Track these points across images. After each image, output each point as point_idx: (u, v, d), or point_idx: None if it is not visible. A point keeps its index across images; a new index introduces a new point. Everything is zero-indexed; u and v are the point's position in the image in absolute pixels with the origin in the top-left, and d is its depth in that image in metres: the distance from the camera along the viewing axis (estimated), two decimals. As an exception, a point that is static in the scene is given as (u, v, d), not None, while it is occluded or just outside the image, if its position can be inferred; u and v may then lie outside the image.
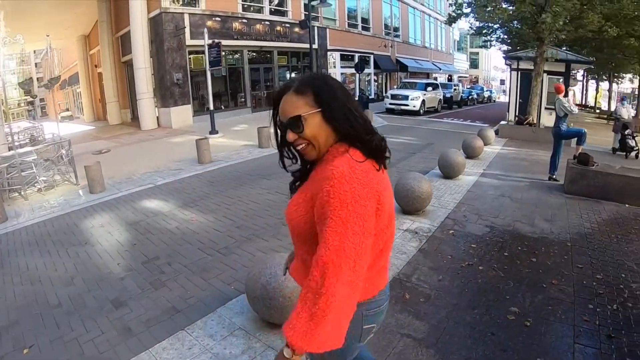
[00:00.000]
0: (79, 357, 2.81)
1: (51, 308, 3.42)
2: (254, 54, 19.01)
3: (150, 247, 4.67)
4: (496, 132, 12.91)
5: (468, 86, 39.83)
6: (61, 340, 2.97)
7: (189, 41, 15.35)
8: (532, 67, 13.98)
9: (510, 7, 14.06)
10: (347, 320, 1.19)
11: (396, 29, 31.77)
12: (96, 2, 18.34)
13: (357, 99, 15.88)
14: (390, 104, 20.15)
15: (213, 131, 12.77)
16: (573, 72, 16.13)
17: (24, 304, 3.54)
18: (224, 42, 14.07)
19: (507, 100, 17.83)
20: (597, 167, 6.58)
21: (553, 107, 13.17)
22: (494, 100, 39.12)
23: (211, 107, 13.18)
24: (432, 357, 2.69)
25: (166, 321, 3.16)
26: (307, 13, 15.31)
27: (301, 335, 1.12)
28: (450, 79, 38.75)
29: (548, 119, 14.54)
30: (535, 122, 13.87)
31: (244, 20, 17.66)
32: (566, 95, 7.56)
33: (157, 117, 15.94)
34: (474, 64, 63.27)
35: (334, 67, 24.01)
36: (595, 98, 40.02)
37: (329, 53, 23.37)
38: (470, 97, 30.65)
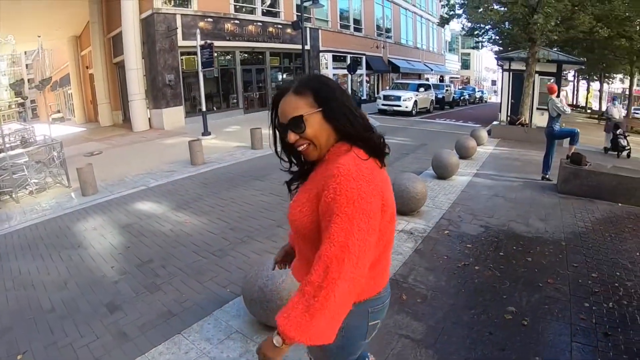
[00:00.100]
0: (74, 362, 2.77)
1: (44, 313, 3.36)
2: (246, 55, 18.94)
3: (144, 249, 4.61)
4: (489, 133, 12.98)
5: (460, 87, 40.08)
6: (55, 346, 2.92)
7: (181, 42, 15.26)
8: (524, 68, 14.07)
9: (502, 9, 14.15)
10: (342, 317, 1.20)
11: (388, 30, 31.85)
12: (87, 3, 18.16)
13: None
14: (383, 104, 20.18)
15: (205, 132, 12.70)
16: (564, 72, 16.29)
17: (16, 309, 3.47)
18: (216, 43, 14.00)
19: (499, 101, 17.94)
20: (590, 166, 6.63)
21: (545, 107, 13.31)
22: (486, 101, 39.41)
23: (203, 109, 13.09)
24: (431, 358, 2.69)
25: (162, 325, 3.11)
26: (299, 14, 15.30)
27: (295, 326, 1.14)
28: (441, 80, 38.98)
29: (540, 119, 14.66)
30: (527, 122, 13.96)
31: (236, 21, 17.61)
32: (558, 95, 7.62)
33: (149, 119, 15.81)
34: (465, 65, 63.65)
35: (326, 68, 24.00)
36: (586, 98, 40.46)
37: (321, 54, 23.37)
38: (462, 97, 30.82)
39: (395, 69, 31.18)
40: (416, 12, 37.38)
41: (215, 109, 17.34)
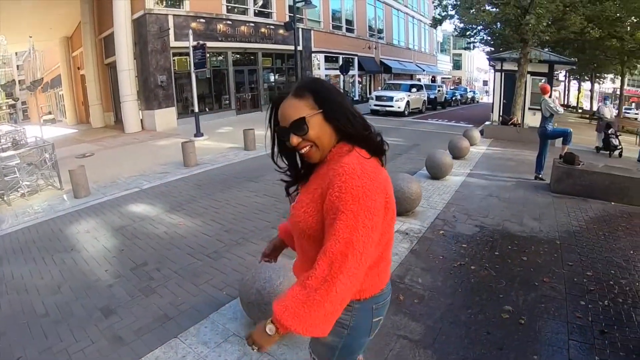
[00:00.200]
0: (69, 367, 2.73)
1: (38, 317, 3.31)
2: (239, 55, 18.88)
3: (138, 252, 4.56)
4: (481, 133, 13.04)
5: (451, 87, 40.27)
6: (50, 351, 2.87)
7: (173, 43, 15.19)
8: (515, 68, 14.16)
9: (494, 10, 14.23)
10: (339, 312, 1.23)
11: (380, 31, 31.92)
12: (79, 3, 18.01)
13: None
14: (375, 105, 20.19)
15: (198, 134, 12.63)
16: (556, 72, 16.42)
17: (10, 313, 3.42)
18: (208, 43, 13.93)
19: (491, 101, 18.05)
20: (583, 166, 6.69)
21: (537, 107, 13.40)
22: (477, 101, 39.61)
23: (196, 110, 13.04)
24: (430, 358, 2.68)
25: (158, 329, 3.08)
26: (292, 15, 15.28)
27: (292, 316, 1.16)
28: (433, 80, 39.11)
29: (532, 119, 14.78)
30: (519, 122, 14.05)
31: (229, 22, 17.56)
32: (551, 95, 7.67)
33: (141, 120, 15.71)
34: (457, 65, 64.00)
35: (319, 68, 24.01)
36: (577, 98, 40.83)
37: (313, 55, 23.37)
38: (453, 98, 30.95)
39: (387, 69, 31.26)
40: (408, 12, 37.52)
41: (207, 110, 17.26)
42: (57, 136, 15.39)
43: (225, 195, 6.70)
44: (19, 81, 41.77)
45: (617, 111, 24.18)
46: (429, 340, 2.86)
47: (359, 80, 28.86)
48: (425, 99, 23.29)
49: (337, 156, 1.31)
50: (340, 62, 24.50)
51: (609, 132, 11.23)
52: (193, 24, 15.64)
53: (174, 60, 15.70)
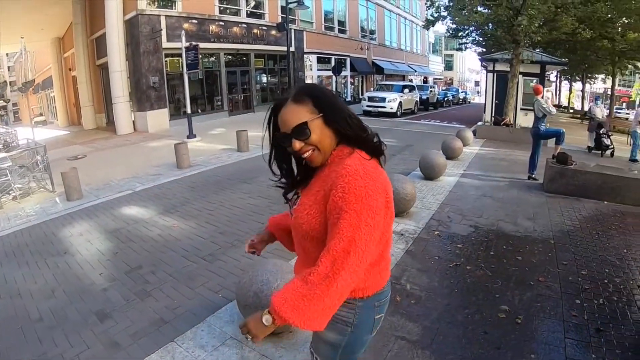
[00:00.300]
0: (64, 373, 2.70)
1: (33, 323, 3.26)
2: (231, 56, 18.81)
3: (133, 255, 4.52)
4: (474, 133, 13.11)
5: (443, 88, 40.46)
6: (45, 357, 2.83)
7: (165, 44, 15.10)
8: (507, 69, 14.25)
9: (487, 11, 14.33)
10: (336, 308, 1.27)
11: (372, 32, 31.96)
12: (71, 4, 17.84)
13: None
14: (368, 106, 20.19)
15: (191, 135, 12.56)
16: (547, 73, 16.56)
17: (3, 318, 3.36)
18: (201, 44, 13.85)
19: (483, 102, 18.14)
20: (576, 166, 6.75)
21: (529, 107, 13.49)
22: (469, 102, 39.84)
23: (188, 111, 12.96)
24: (428, 358, 2.69)
25: (154, 333, 3.05)
26: (284, 16, 15.26)
27: (291, 308, 1.19)
28: (425, 81, 39.27)
29: (524, 120, 14.89)
30: (512, 122, 14.14)
31: (221, 23, 17.50)
32: (543, 96, 7.73)
33: (133, 122, 15.59)
34: (448, 66, 64.27)
35: (311, 69, 24.00)
36: (569, 98, 41.21)
37: (305, 56, 23.34)
38: (445, 98, 31.09)
39: (379, 70, 31.30)
40: (400, 13, 37.62)
41: (199, 111, 17.16)
42: (49, 138, 15.21)
43: (219, 197, 6.67)
44: (10, 82, 41.24)
45: (608, 111, 24.45)
46: (426, 341, 2.86)
47: (351, 81, 28.87)
48: (418, 99, 23.36)
49: (338, 159, 1.34)
50: (333, 63, 24.48)
51: (601, 132, 11.34)
52: (185, 25, 15.57)
53: (166, 61, 15.60)
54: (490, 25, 15.97)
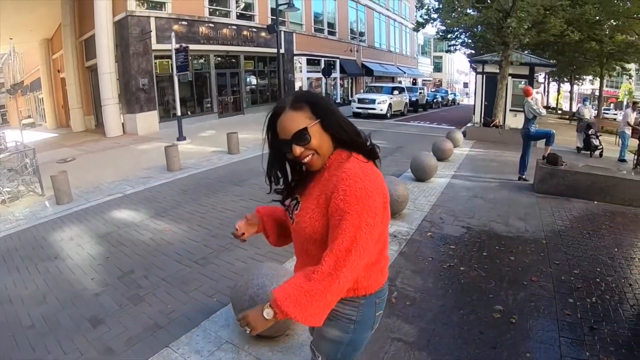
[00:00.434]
0: (57, 380, 2.65)
1: (24, 329, 3.19)
2: (221, 58, 18.74)
3: (125, 260, 4.47)
4: (464, 134, 13.19)
5: (432, 89, 40.77)
6: (37, 364, 2.79)
7: (155, 45, 14.97)
8: (497, 71, 14.37)
9: (476, 13, 14.44)
10: (334, 304, 1.33)
11: (362, 34, 32.05)
12: (60, 5, 17.60)
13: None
14: (357, 107, 20.20)
15: (181, 137, 12.45)
16: (536, 74, 16.74)
17: (-6, 325, 3.30)
18: (191, 46, 13.71)
19: (472, 103, 18.28)
20: (566, 166, 6.82)
21: (518, 109, 13.63)
22: (458, 103, 40.22)
23: (178, 113, 12.84)
24: (425, 359, 2.70)
25: (149, 338, 3.01)
26: (274, 17, 15.24)
27: (294, 303, 1.25)
28: (414, 83, 39.50)
29: (513, 121, 15.03)
30: (501, 123, 14.26)
31: (211, 25, 17.42)
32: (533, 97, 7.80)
33: (123, 124, 15.43)
34: (437, 68, 64.63)
35: (300, 71, 24.01)
36: (557, 99, 41.69)
37: (295, 58, 23.32)
38: (435, 100, 31.35)
39: (368, 72, 31.40)
40: (390, 16, 37.78)
41: (189, 113, 17.02)
42: (37, 140, 14.95)
43: (210, 200, 6.62)
44: (-2, 84, 40.62)
45: (596, 112, 24.78)
46: (423, 342, 2.87)
47: (340, 83, 28.93)
48: (407, 101, 23.48)
49: (336, 163, 1.40)
50: (322, 65, 24.48)
51: (590, 132, 11.46)
52: (175, 27, 15.46)
53: (155, 63, 15.47)
54: (480, 28, 16.09)
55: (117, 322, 3.23)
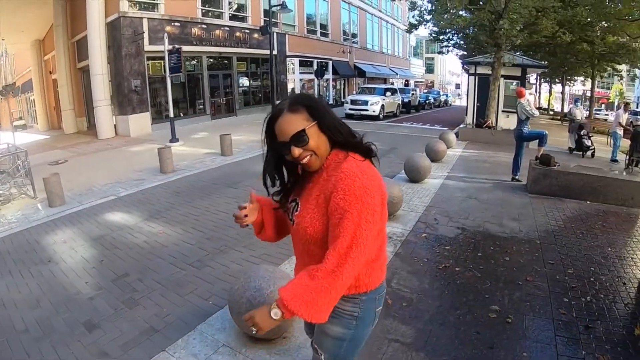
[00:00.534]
0: (52, 385, 2.62)
1: (18, 334, 3.14)
2: (213, 60, 18.68)
3: (119, 263, 4.43)
4: (456, 135, 13.26)
5: (425, 91, 40.97)
6: (32, 369, 2.75)
7: (147, 47, 14.89)
8: (489, 72, 14.46)
9: (468, 15, 14.53)
10: (337, 300, 1.37)
11: (354, 35, 32.14)
12: (52, 5, 17.44)
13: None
14: (350, 109, 20.21)
15: (173, 139, 12.36)
16: (527, 75, 16.86)
17: (-13, 330, 3.24)
18: (183, 47, 13.65)
19: (465, 104, 18.36)
20: (559, 167, 6.87)
21: (510, 110, 13.71)
22: (450, 104, 40.42)
23: (171, 115, 12.77)
24: (422, 361, 2.70)
25: (145, 342, 2.98)
26: (267, 19, 15.20)
27: (300, 302, 1.29)
28: (407, 84, 39.73)
29: (505, 122, 15.14)
30: (493, 124, 14.35)
31: (203, 26, 17.36)
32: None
33: (115, 125, 15.33)
34: (429, 69, 64.96)
35: (293, 73, 24.01)
36: (548, 100, 42.04)
37: (288, 59, 23.31)
38: (427, 101, 31.50)
39: (361, 73, 31.51)
40: (382, 17, 37.94)
41: (181, 115, 16.93)
42: (29, 142, 14.83)
43: (204, 202, 6.59)
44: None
45: (587, 112, 25.00)
46: (420, 343, 2.88)
47: (333, 85, 28.97)
48: (400, 102, 23.55)
49: (334, 163, 1.43)
50: (315, 66, 24.50)
51: (582, 133, 11.56)
52: (168, 28, 15.39)
53: (148, 64, 15.38)
54: (472, 29, 16.19)
55: (113, 326, 3.20)
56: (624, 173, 7.60)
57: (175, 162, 9.10)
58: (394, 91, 23.62)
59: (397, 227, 5.23)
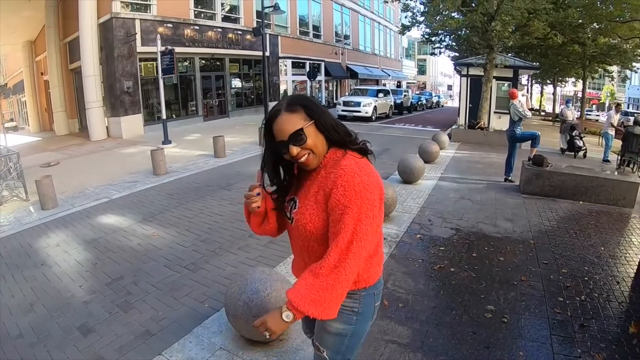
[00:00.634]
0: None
1: (12, 339, 3.10)
2: (206, 61, 18.62)
3: (113, 266, 4.39)
4: (449, 136, 13.33)
5: (417, 92, 41.11)
6: (27, 375, 2.72)
7: (140, 48, 14.81)
8: (481, 73, 14.54)
9: (461, 17, 14.61)
10: (344, 295, 1.40)
11: (347, 37, 32.21)
12: (44, 6, 17.28)
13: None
14: (343, 110, 20.21)
15: (166, 141, 12.30)
16: (519, 76, 16.99)
17: (-20, 336, 3.19)
18: (176, 49, 13.60)
19: (457, 106, 18.45)
20: (552, 167, 6.92)
21: (503, 111, 13.80)
22: (442, 106, 40.59)
23: (164, 116, 12.69)
24: (419, 362, 2.71)
25: (141, 346, 2.96)
26: (259, 20, 15.18)
27: (309, 301, 1.32)
28: (399, 85, 39.85)
29: (498, 123, 15.24)
30: (486, 125, 14.43)
31: (196, 27, 17.31)
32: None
33: (107, 127, 15.23)
34: (421, 70, 65.18)
35: (286, 74, 23.99)
36: (540, 101, 42.37)
37: (280, 60, 23.30)
38: (419, 102, 31.61)
39: (353, 75, 31.57)
40: (374, 19, 38.06)
41: (174, 116, 16.84)
42: (20, 144, 14.65)
43: (198, 205, 6.56)
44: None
45: (579, 113, 25.22)
46: (417, 344, 2.88)
47: (325, 86, 28.98)
48: (392, 103, 23.62)
49: (332, 161, 1.47)
50: (307, 68, 24.51)
51: (573, 134, 11.67)
52: (160, 29, 15.32)
53: (140, 65, 15.29)
54: (465, 31, 16.27)
55: (108, 330, 3.17)
56: (616, 173, 7.69)
57: (168, 164, 9.05)
58: (386, 92, 23.67)
59: (392, 228, 5.23)
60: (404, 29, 17.78)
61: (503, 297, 3.53)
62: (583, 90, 28.60)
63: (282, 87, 23.70)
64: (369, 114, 20.00)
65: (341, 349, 1.61)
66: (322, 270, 1.34)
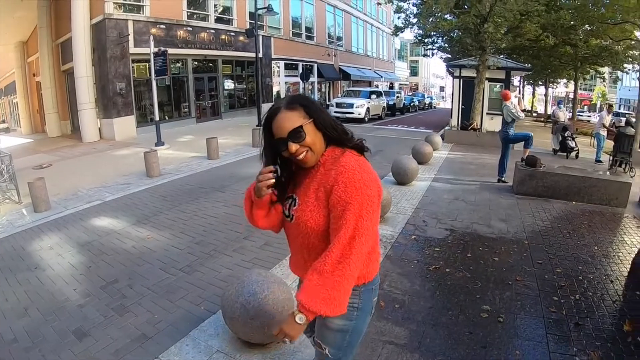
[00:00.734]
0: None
1: (7, 344, 3.06)
2: (198, 62, 18.54)
3: (107, 269, 4.35)
4: (442, 138, 13.39)
5: (409, 93, 41.28)
6: (22, 379, 2.68)
7: (132, 49, 14.71)
8: (473, 75, 14.64)
9: (453, 18, 14.69)
10: (350, 289, 1.43)
11: (339, 38, 32.23)
12: (36, 7, 17.12)
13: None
14: (336, 112, 20.18)
15: (159, 143, 12.22)
16: (511, 78, 17.12)
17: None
18: (169, 50, 13.55)
19: (450, 107, 18.54)
20: (545, 168, 6.98)
21: (495, 112, 13.90)
22: (435, 107, 40.78)
23: (157, 118, 12.62)
24: (417, 363, 2.72)
25: (137, 350, 2.93)
26: (253, 22, 15.16)
27: (319, 301, 1.35)
28: (391, 87, 39.95)
29: (490, 124, 15.35)
30: (478, 127, 14.52)
31: (189, 28, 17.23)
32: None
33: (99, 129, 15.11)
34: (414, 72, 65.37)
35: (278, 76, 23.95)
36: (532, 102, 42.66)
37: (273, 62, 23.25)
38: (412, 104, 31.77)
39: (346, 76, 31.57)
40: (367, 20, 38.14)
41: (166, 118, 16.75)
42: (12, 146, 14.49)
43: (192, 207, 6.53)
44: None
45: (571, 114, 25.44)
46: (414, 344, 2.89)
47: (318, 88, 28.96)
48: (385, 105, 23.71)
49: (331, 158, 1.51)
50: (300, 69, 24.49)
51: (566, 134, 11.77)
52: (153, 30, 15.23)
53: (133, 67, 15.19)
54: (457, 32, 16.37)
55: (104, 334, 3.14)
56: (608, 173, 7.77)
57: (161, 166, 8.99)
58: (379, 94, 23.76)
59: (387, 230, 5.25)
60: (397, 30, 17.85)
61: (498, 297, 3.56)
62: (575, 92, 28.86)
63: (275, 89, 23.66)
64: (362, 116, 20.06)
65: (343, 345, 1.64)
66: (326, 267, 1.36)
